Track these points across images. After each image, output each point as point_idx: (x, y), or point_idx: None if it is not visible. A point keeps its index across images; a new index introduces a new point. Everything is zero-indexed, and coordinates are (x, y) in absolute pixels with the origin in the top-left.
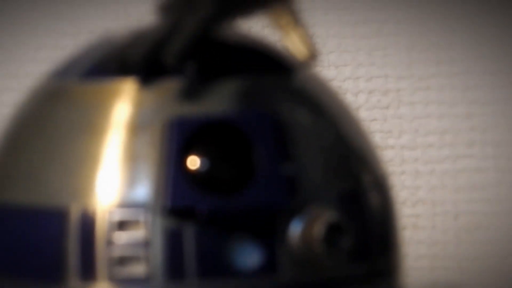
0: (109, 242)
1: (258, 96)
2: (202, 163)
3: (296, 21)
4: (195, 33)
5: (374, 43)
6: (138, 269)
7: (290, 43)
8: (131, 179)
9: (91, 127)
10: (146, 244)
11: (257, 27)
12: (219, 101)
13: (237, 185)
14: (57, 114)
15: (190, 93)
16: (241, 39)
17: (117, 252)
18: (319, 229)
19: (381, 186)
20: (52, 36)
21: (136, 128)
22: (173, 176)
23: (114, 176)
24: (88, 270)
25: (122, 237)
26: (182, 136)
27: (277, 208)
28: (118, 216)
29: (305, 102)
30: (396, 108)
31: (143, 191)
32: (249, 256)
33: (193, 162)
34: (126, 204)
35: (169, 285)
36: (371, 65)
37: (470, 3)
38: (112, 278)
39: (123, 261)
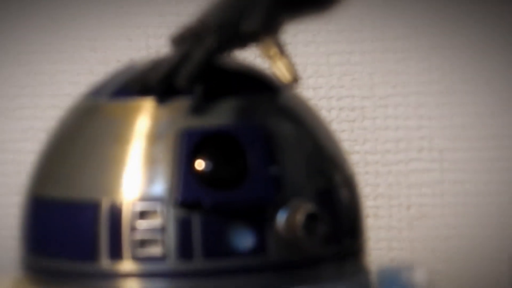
0: (132, 228)
1: (250, 112)
2: (206, 165)
3: (281, 52)
4: (201, 62)
5: (344, 70)
6: (155, 250)
7: (277, 69)
8: (150, 178)
9: (118, 137)
10: (162, 230)
11: (251, 57)
12: (220, 116)
13: (234, 183)
14: (91, 126)
15: (197, 110)
16: (238, 66)
17: (138, 236)
18: (299, 218)
19: (349, 184)
20: (87, 63)
21: (154, 137)
22: (183, 175)
23: (137, 176)
24: (115, 250)
25: (143, 224)
26: (191, 144)
27: (266, 202)
28: (139, 207)
29: (289, 117)
30: (361, 121)
31: (159, 187)
32: (244, 240)
33: (199, 165)
34: (146, 198)
35: (180, 263)
36: (341, 87)
37: (419, 38)
38: (135, 257)
39: (143, 243)
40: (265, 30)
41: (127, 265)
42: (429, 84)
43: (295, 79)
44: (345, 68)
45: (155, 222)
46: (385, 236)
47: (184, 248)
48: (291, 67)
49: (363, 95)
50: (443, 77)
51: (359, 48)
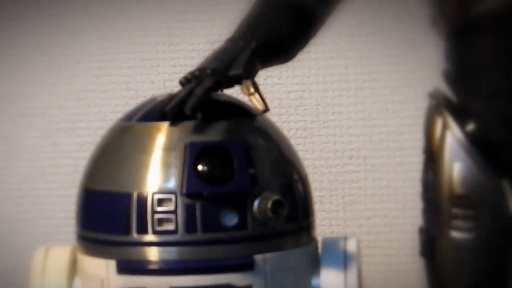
0: (153, 212)
1: (235, 131)
2: (204, 168)
3: (256, 90)
4: (201, 96)
5: (298, 103)
6: (169, 226)
7: (253, 102)
8: (166, 177)
9: (143, 148)
10: (174, 212)
11: (236, 93)
12: (214, 134)
13: (224, 180)
14: (125, 141)
15: (198, 129)
16: (226, 98)
17: (158, 217)
18: (268, 204)
19: (303, 180)
20: (120, 101)
21: (168, 149)
22: (188, 175)
23: (156, 175)
24: (142, 227)
25: (161, 209)
26: (193, 153)
27: (246, 193)
28: (158, 197)
29: (261, 134)
30: (310, 138)
31: (172, 183)
32: (231, 220)
33: (200, 168)
34: (162, 191)
35: (187, 235)
36: (297, 114)
37: (351, 80)
38: (155, 232)
39: (161, 222)
40: (245, 75)
41: (149, 237)
42: (355, 114)
43: (266, 109)
44: (298, 101)
45: (169, 207)
46: (327, 217)
47: (189, 225)
48: (263, 100)
49: (312, 119)
50: (366, 108)
51: (308, 88)
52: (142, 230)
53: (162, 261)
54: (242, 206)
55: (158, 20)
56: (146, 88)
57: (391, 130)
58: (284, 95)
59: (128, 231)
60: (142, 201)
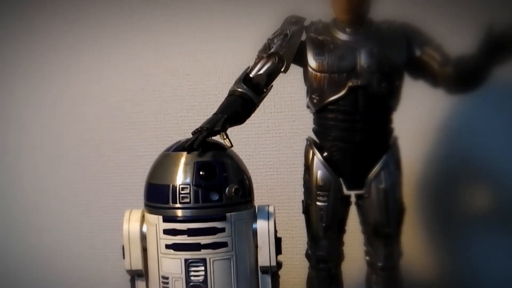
0: (179, 193)
1: (216, 155)
2: (202, 173)
3: (226, 137)
4: (201, 140)
5: (245, 136)
6: (186, 200)
7: (225, 142)
8: (185, 177)
9: (174, 164)
10: (189, 193)
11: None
12: (206, 157)
13: (211, 179)
14: (166, 160)
15: (199, 155)
16: (213, 141)
17: (181, 195)
18: (232, 189)
19: (249, 178)
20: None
21: (186, 164)
22: (195, 176)
23: (180, 176)
24: (174, 200)
25: (183, 192)
26: (197, 166)
27: (222, 185)
28: (182, 186)
29: (229, 157)
30: (256, 155)
31: (188, 180)
32: (215, 197)
33: (200, 173)
34: (183, 183)
35: (195, 204)
36: (246, 144)
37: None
38: (180, 202)
39: (183, 198)
40: (222, 130)
41: (177, 205)
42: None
43: (231, 146)
44: (246, 132)
45: (186, 191)
46: (259, 195)
47: (196, 199)
48: (230, 142)
49: (251, 152)
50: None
51: (240, 129)
52: (174, 201)
53: (183, 216)
54: (220, 191)
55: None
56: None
57: (289, 153)
58: (236, 141)
59: (168, 202)
60: (174, 188)
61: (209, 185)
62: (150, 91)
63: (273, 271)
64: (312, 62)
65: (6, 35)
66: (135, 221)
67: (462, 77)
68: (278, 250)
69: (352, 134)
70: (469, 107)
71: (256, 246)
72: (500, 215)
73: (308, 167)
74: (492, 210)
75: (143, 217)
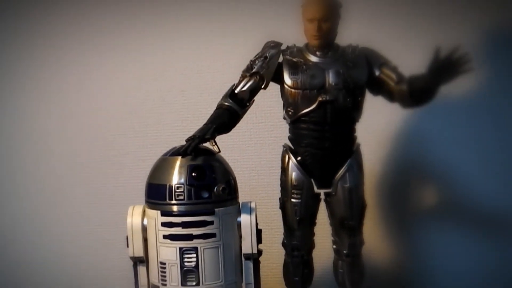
0: (175, 191)
1: (207, 159)
2: (194, 174)
3: (215, 144)
4: (194, 146)
5: (231, 143)
6: (181, 197)
7: (214, 148)
8: (180, 177)
9: (171, 166)
10: (183, 191)
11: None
12: (198, 161)
13: (202, 179)
14: (164, 163)
15: (192, 159)
16: (203, 147)
17: (177, 193)
18: (220, 188)
19: (234, 178)
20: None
21: (181, 166)
22: (188, 177)
23: (176, 177)
24: (170, 197)
25: (178, 190)
26: (191, 168)
27: (211, 184)
28: (177, 186)
29: (217, 161)
30: (241, 159)
31: (182, 180)
32: (205, 194)
33: (193, 174)
34: (179, 183)
35: (188, 200)
36: (232, 150)
37: None
38: (175, 199)
39: (178, 195)
40: (211, 138)
41: (173, 201)
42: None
43: (219, 151)
44: (231, 143)
45: (181, 190)
46: (243, 193)
47: (189, 196)
48: (218, 148)
49: (236, 157)
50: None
51: (227, 137)
52: (171, 198)
53: (178, 211)
54: (210, 189)
55: None
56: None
57: (268, 158)
58: (227, 142)
59: (165, 199)
60: (170, 187)
61: (200, 184)
62: (150, 104)
63: (255, 258)
64: (288, 80)
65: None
66: (137, 215)
67: (414, 94)
68: (259, 240)
69: (322, 142)
70: (421, 119)
71: (240, 237)
72: (445, 211)
73: (284, 170)
74: (439, 207)
75: (144, 212)
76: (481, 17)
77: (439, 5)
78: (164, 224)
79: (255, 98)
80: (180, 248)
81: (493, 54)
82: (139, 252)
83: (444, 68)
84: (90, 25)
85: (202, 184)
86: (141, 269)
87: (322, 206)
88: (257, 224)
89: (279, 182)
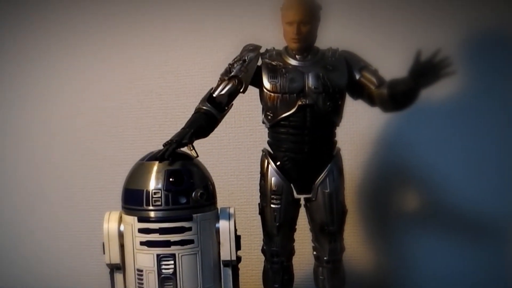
0: (152, 197)
1: (184, 164)
2: (172, 179)
3: (193, 148)
4: (171, 151)
5: (209, 147)
6: (158, 203)
7: (192, 153)
8: (157, 183)
9: (148, 171)
10: (160, 197)
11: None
12: (176, 166)
13: (180, 184)
14: (141, 168)
15: (169, 164)
16: (181, 152)
17: (154, 199)
18: (198, 193)
19: (212, 184)
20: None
21: (158, 172)
22: (166, 182)
23: (153, 182)
24: (147, 203)
25: (155, 196)
26: (168, 173)
27: (189, 189)
28: (154, 191)
29: (195, 165)
30: (219, 164)
31: (160, 185)
32: (183, 200)
33: (170, 179)
34: (156, 188)
35: (165, 206)
36: (210, 154)
37: None
38: (153, 205)
39: (155, 201)
40: (189, 143)
41: (150, 207)
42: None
43: (197, 156)
44: (211, 151)
45: (158, 195)
46: (221, 199)
47: (166, 202)
48: (196, 153)
49: (214, 162)
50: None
51: (205, 141)
52: (148, 204)
53: (155, 216)
54: (187, 195)
55: None
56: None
57: (247, 162)
58: (202, 152)
59: (142, 204)
60: (147, 192)
61: (177, 190)
62: (128, 109)
63: (234, 265)
64: (267, 84)
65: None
66: (114, 221)
67: (395, 98)
68: (238, 246)
69: (301, 146)
70: (401, 123)
71: (219, 243)
72: (428, 216)
73: (263, 175)
74: (421, 212)
75: (120, 217)
76: (462, 20)
77: (420, 8)
78: (141, 230)
79: (234, 102)
80: (158, 255)
81: (474, 57)
82: (116, 259)
83: (425, 71)
84: (66, 30)
85: (180, 190)
86: (118, 276)
87: (302, 212)
88: (236, 230)
89: (258, 188)
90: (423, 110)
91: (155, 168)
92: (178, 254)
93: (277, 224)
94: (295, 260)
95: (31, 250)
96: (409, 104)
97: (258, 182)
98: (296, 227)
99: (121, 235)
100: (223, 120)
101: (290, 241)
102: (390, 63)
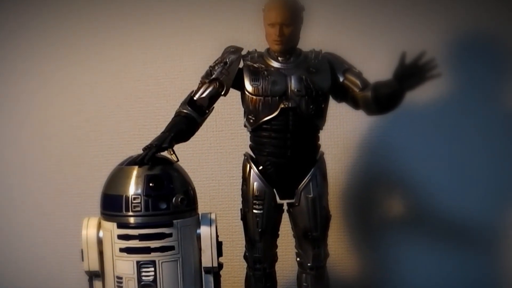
0: (132, 202)
1: (164, 169)
2: (152, 184)
3: (173, 153)
4: (151, 155)
5: (190, 152)
6: (138, 208)
7: (172, 157)
8: (137, 188)
9: (127, 176)
10: (140, 202)
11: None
12: (155, 170)
13: (160, 189)
14: (120, 173)
15: (149, 169)
16: (161, 156)
17: (133, 204)
18: (178, 199)
19: (193, 189)
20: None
21: (138, 177)
22: (145, 187)
23: (133, 187)
24: (127, 208)
25: (134, 201)
26: (148, 178)
27: (169, 195)
28: (134, 196)
29: (175, 170)
30: (200, 169)
31: (139, 190)
32: (163, 205)
33: (150, 184)
34: (135, 194)
35: (145, 212)
36: (191, 159)
37: None
38: (132, 210)
39: (135, 206)
40: (169, 147)
41: (130, 213)
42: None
43: (177, 160)
44: (192, 156)
45: (138, 200)
46: (202, 204)
47: (146, 207)
48: (176, 157)
49: (195, 166)
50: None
51: (185, 145)
52: (127, 210)
53: (135, 222)
54: (167, 200)
55: None
56: None
57: (229, 167)
58: (182, 158)
59: (121, 210)
60: (127, 198)
61: (157, 195)
62: (106, 112)
63: (215, 271)
64: (248, 86)
65: None
66: (92, 228)
67: (379, 101)
68: (220, 253)
69: (284, 150)
70: (386, 127)
71: (200, 249)
72: (413, 222)
73: (245, 179)
74: (407, 218)
75: (99, 224)
76: (448, 22)
77: (405, 9)
78: (120, 237)
79: (215, 105)
80: (138, 262)
81: (460, 59)
82: (95, 266)
83: (410, 74)
84: (43, 32)
85: (160, 195)
86: (97, 284)
87: (285, 217)
88: (217, 236)
89: (240, 193)
90: (408, 113)
91: (134, 173)
92: (159, 261)
93: (260, 230)
94: (278, 266)
95: (6, 260)
96: (393, 107)
97: (240, 187)
98: (279, 233)
99: (100, 242)
100: (204, 123)
101: (273, 247)
102: (374, 65)
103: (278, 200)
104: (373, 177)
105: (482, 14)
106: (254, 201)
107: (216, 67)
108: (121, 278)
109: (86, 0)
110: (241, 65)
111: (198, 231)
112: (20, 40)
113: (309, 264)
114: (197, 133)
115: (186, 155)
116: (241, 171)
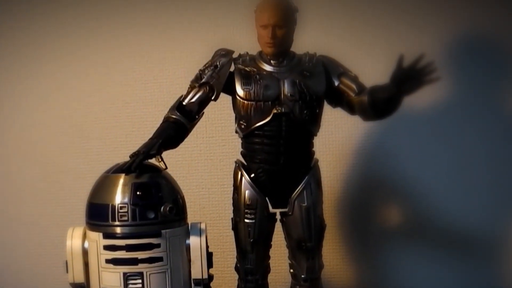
0: (118, 211)
1: (152, 177)
2: (139, 193)
3: (161, 160)
4: (138, 163)
5: (179, 159)
6: (125, 218)
7: (161, 164)
8: (123, 197)
9: (114, 184)
10: (127, 211)
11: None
12: (143, 178)
13: (148, 198)
14: (106, 181)
15: (136, 177)
16: (148, 163)
17: (120, 214)
18: (167, 208)
19: (182, 197)
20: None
21: (124, 185)
22: (133, 196)
23: (119, 196)
24: (113, 218)
25: (121, 210)
26: (135, 186)
27: (158, 204)
28: (120, 205)
29: (163, 178)
30: (189, 176)
31: (126, 199)
32: (151, 215)
33: (138, 193)
34: (122, 203)
35: (132, 222)
36: (180, 166)
37: None
38: (119, 220)
39: (121, 216)
40: (157, 154)
41: (116, 223)
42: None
43: (166, 168)
44: (181, 162)
45: (125, 210)
46: (192, 213)
47: (133, 217)
48: (164, 164)
49: (184, 174)
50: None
51: (174, 152)
52: (113, 219)
53: (121, 233)
54: (155, 209)
55: None
56: None
57: (219, 175)
58: (170, 164)
59: (107, 220)
60: (113, 207)
61: (145, 204)
62: (92, 118)
63: (205, 283)
64: (240, 91)
65: None
66: (77, 238)
67: (376, 105)
68: (210, 264)
69: (277, 157)
70: (383, 132)
71: (189, 260)
72: (411, 231)
73: (236, 188)
74: (404, 227)
75: (84, 234)
76: (446, 25)
77: (403, 12)
78: (106, 247)
79: (205, 110)
80: (124, 273)
81: (459, 62)
82: (80, 278)
83: (407, 77)
84: (26, 34)
85: (148, 204)
86: None
87: (278, 227)
88: (207, 246)
89: (231, 201)
90: (406, 118)
91: (121, 181)
92: (146, 272)
93: (252, 240)
94: (271, 278)
95: None
96: (391, 112)
97: (231, 195)
98: (272, 243)
99: (85, 253)
100: (194, 129)
101: (265, 258)
102: (371, 69)
103: (271, 209)
104: (370, 185)
105: (482, 17)
106: (246, 210)
107: (206, 71)
108: None
109: (71, 5)
110: (232, 68)
111: (187, 241)
112: (3, 45)
113: (303, 276)
114: (186, 140)
115: (175, 162)
116: (232, 179)
